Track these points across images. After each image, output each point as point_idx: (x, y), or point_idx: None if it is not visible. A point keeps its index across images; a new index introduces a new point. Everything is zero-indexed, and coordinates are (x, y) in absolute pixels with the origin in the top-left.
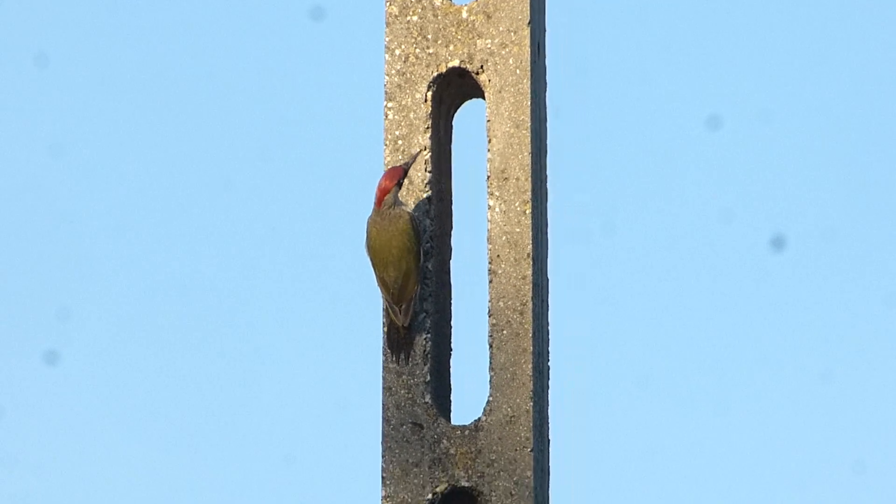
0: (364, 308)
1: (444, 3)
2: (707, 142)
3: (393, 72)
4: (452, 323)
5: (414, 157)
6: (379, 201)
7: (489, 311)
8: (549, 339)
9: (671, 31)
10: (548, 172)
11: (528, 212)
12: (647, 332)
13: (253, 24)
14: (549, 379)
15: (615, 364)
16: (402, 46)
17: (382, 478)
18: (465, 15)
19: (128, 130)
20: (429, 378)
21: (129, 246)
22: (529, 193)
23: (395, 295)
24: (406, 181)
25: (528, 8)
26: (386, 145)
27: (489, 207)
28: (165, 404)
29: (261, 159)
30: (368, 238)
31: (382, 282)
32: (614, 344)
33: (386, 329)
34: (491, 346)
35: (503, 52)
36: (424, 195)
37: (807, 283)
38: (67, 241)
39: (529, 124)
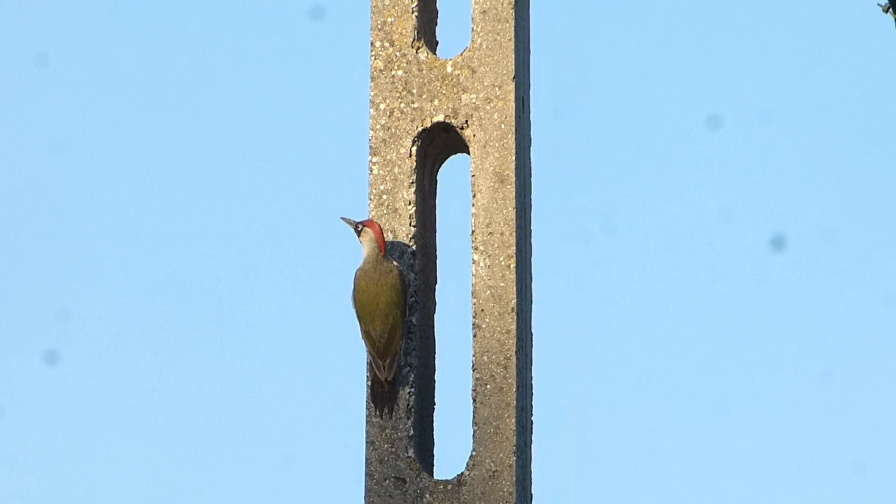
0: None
1: (429, 57)
2: (707, 142)
3: (378, 126)
4: (436, 377)
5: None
6: (382, 245)
7: (473, 366)
8: (532, 394)
9: (671, 31)
10: (545, 173)
11: (512, 266)
12: (647, 332)
13: (253, 24)
14: (532, 433)
15: (615, 364)
16: (387, 101)
17: None
18: (449, 69)
19: (128, 130)
20: (412, 432)
21: (129, 246)
22: (514, 248)
23: (379, 349)
24: (390, 234)
25: (513, 63)
26: (371, 200)
27: (473, 262)
28: (165, 404)
29: (261, 159)
30: (356, 290)
31: (367, 335)
32: (614, 344)
33: (370, 383)
34: (474, 401)
35: (488, 107)
36: (409, 249)
37: (807, 283)
38: (67, 241)
39: (514, 179)
